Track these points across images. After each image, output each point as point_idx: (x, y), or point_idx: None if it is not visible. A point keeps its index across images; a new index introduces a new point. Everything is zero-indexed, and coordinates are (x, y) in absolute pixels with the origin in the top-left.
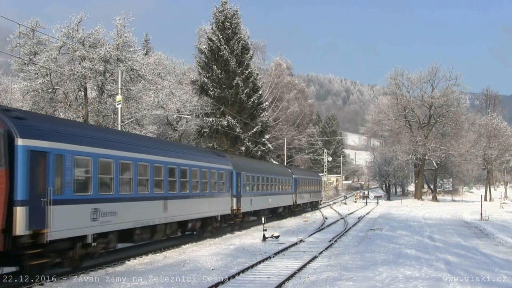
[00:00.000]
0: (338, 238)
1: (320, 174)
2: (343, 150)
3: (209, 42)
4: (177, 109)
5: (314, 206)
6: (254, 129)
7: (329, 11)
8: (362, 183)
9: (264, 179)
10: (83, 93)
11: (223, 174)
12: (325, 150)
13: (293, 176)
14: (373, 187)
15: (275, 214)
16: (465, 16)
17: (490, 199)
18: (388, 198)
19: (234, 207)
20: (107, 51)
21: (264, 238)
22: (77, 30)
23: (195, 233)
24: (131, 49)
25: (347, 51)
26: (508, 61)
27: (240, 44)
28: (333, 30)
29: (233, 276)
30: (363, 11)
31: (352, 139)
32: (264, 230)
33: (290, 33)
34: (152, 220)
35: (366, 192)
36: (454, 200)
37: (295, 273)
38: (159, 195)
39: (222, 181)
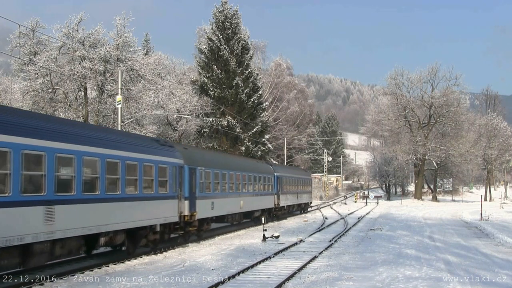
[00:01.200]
0: (338, 238)
1: (320, 174)
2: (343, 150)
3: (209, 42)
4: (177, 109)
5: (302, 209)
6: (254, 129)
7: (325, 9)
8: (362, 183)
9: (234, 177)
10: (83, 93)
11: (166, 169)
12: (325, 150)
13: (275, 174)
14: (373, 187)
15: (250, 219)
16: (464, 15)
17: (490, 199)
18: (388, 198)
19: (186, 213)
20: (107, 51)
21: (264, 238)
22: (77, 30)
23: (123, 248)
24: (131, 49)
25: (348, 51)
26: (504, 61)
27: (240, 44)
28: (332, 29)
29: (233, 276)
30: (363, 10)
31: (352, 139)
32: (264, 230)
33: (289, 32)
34: (20, 238)
35: (366, 192)
36: (454, 200)
37: (295, 273)
38: (36, 199)
39: (164, 179)
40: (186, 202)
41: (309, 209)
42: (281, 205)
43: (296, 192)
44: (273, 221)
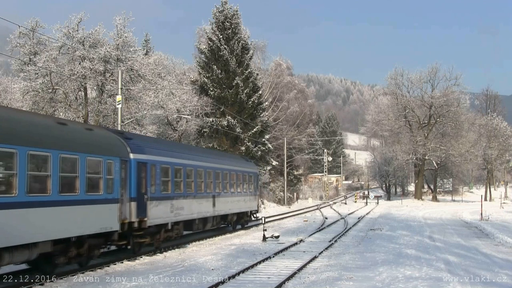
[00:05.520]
0: (338, 238)
1: (320, 174)
2: (343, 150)
3: (209, 42)
4: (177, 109)
5: (231, 222)
6: (254, 129)
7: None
8: (362, 183)
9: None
10: (83, 93)
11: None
12: (325, 150)
13: (131, 155)
14: (373, 187)
15: (229, 223)
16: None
17: (490, 199)
18: (388, 198)
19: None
20: (107, 51)
21: (264, 238)
22: (77, 30)
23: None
24: (131, 49)
25: (347, 50)
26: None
27: (240, 44)
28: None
29: (233, 276)
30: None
31: (352, 139)
32: (264, 230)
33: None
34: None
35: (366, 192)
36: (454, 200)
37: (295, 273)
38: None
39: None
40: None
41: (250, 224)
42: (132, 219)
43: (202, 196)
44: (273, 221)
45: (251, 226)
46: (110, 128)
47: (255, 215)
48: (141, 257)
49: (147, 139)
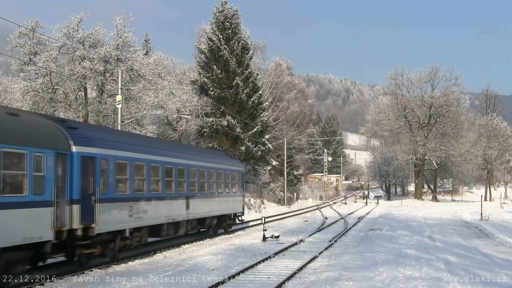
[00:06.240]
0: (338, 238)
1: (320, 174)
2: (343, 150)
3: (209, 42)
4: (177, 109)
5: (211, 226)
6: (254, 129)
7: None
8: (362, 183)
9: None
10: (83, 93)
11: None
12: (325, 150)
13: (73, 148)
14: (373, 187)
15: (209, 228)
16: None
17: (490, 199)
18: (388, 198)
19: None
20: (107, 51)
21: (264, 238)
22: (77, 30)
23: None
24: (131, 49)
25: (347, 50)
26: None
27: (240, 44)
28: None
29: (233, 276)
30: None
31: (352, 139)
32: (264, 230)
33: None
34: None
35: (366, 192)
36: (454, 200)
37: (295, 273)
38: None
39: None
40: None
41: (235, 227)
42: (74, 226)
43: (173, 197)
44: (273, 221)
45: (236, 230)
46: (49, 116)
47: (240, 218)
48: (141, 257)
49: (101, 129)
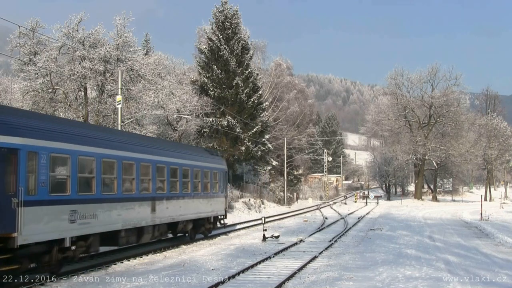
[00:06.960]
0: (338, 238)
1: (320, 174)
2: (343, 150)
3: (209, 42)
4: (177, 109)
5: (187, 231)
6: (254, 129)
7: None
8: (362, 183)
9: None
10: (83, 93)
11: None
12: (325, 150)
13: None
14: (373, 187)
15: (186, 233)
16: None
17: (490, 199)
18: (388, 198)
19: None
20: (107, 51)
21: (264, 238)
22: (77, 30)
23: None
24: (131, 49)
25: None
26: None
27: (240, 44)
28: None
29: (233, 276)
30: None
31: (352, 139)
32: (264, 230)
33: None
34: None
35: (366, 192)
36: (454, 200)
37: (295, 273)
38: None
39: None
40: None
41: (216, 232)
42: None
43: (133, 198)
44: (273, 221)
45: (217, 235)
46: None
47: (222, 221)
48: (141, 257)
49: (30, 115)
